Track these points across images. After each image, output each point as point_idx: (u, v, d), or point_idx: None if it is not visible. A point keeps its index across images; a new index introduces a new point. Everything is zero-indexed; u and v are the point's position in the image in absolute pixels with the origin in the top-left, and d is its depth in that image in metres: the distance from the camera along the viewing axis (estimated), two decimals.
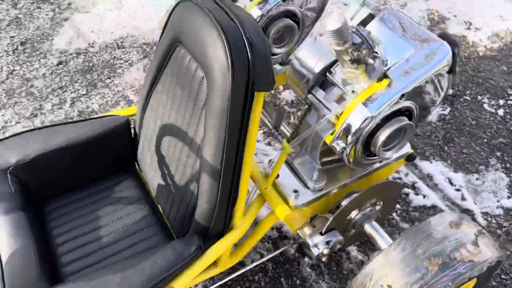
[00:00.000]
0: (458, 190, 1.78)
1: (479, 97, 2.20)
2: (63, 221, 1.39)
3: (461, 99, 2.19)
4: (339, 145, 1.17)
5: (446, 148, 1.95)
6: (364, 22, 1.27)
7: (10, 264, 1.16)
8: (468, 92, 2.23)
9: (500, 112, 2.13)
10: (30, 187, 1.37)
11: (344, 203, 1.32)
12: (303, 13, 1.53)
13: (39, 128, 1.45)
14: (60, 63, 2.33)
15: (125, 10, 2.74)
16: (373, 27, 1.24)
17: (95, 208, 1.42)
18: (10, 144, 1.37)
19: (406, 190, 1.77)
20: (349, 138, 1.15)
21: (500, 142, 1.98)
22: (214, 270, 1.37)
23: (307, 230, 1.35)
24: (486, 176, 1.83)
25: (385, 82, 1.13)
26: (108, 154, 1.47)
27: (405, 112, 1.19)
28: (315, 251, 1.31)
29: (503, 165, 1.88)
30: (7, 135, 1.96)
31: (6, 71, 2.27)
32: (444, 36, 1.19)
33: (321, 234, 1.33)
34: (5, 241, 1.20)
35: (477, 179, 1.83)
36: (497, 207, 1.73)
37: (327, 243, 1.32)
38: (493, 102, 2.17)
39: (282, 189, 1.32)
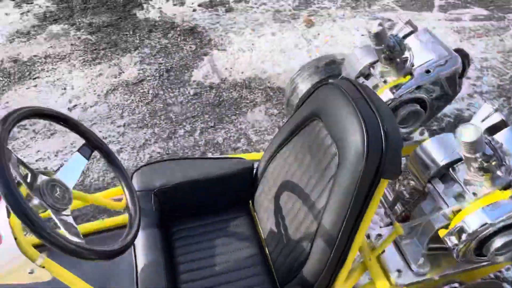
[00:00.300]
0: None
1: None
2: (185, 242, 1.62)
3: None
4: (451, 241, 1.24)
5: None
6: (494, 128, 1.34)
7: (144, 274, 1.40)
8: None
9: None
10: (166, 208, 1.62)
11: None
12: (431, 101, 1.63)
13: (181, 159, 1.71)
14: (195, 94, 2.67)
15: (256, 53, 3.03)
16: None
17: (212, 236, 1.63)
18: (158, 169, 1.64)
19: (504, 284, 1.74)
20: (463, 237, 1.21)
21: None
22: None
23: None
24: None
25: (508, 193, 1.19)
26: (231, 191, 1.68)
27: None
28: None
29: None
30: (146, 152, 2.30)
31: (151, 94, 2.66)
32: None
33: None
34: (142, 252, 1.45)
35: None
36: None
37: None
38: None
39: (385, 264, 1.41)
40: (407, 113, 1.61)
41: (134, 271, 1.40)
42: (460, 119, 2.52)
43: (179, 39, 3.14)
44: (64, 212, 1.15)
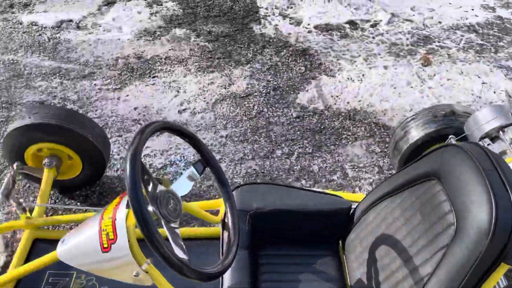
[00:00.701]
0: None
1: None
2: (271, 269, 1.63)
3: None
4: None
5: None
6: None
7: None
8: None
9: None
10: (258, 232, 1.64)
11: None
12: None
13: (280, 185, 1.72)
14: (298, 117, 2.68)
15: (365, 85, 2.96)
16: None
17: (298, 269, 1.62)
18: (257, 190, 1.66)
19: None
20: None
21: None
22: None
23: None
24: None
25: None
26: (324, 228, 1.65)
27: None
28: None
29: None
30: (242, 167, 2.36)
31: (256, 110, 2.72)
32: None
33: None
34: (230, 271, 1.48)
35: None
36: None
37: None
38: None
39: None
40: None
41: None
42: None
43: (290, 59, 3.18)
44: (172, 224, 1.21)
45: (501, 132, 1.55)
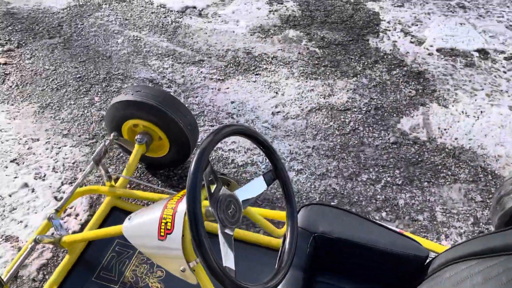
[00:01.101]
0: None
1: None
2: None
3: None
4: None
5: None
6: None
7: None
8: None
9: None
10: (320, 257, 1.55)
11: None
12: None
13: (353, 213, 1.60)
14: (395, 143, 2.48)
15: (481, 123, 2.63)
16: None
17: None
18: (327, 213, 1.57)
19: None
20: None
21: None
22: None
23: None
24: None
25: None
26: (392, 272, 1.50)
27: None
28: None
29: None
30: (322, 183, 2.25)
31: (351, 127, 2.58)
32: None
33: None
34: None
35: None
36: None
37: None
38: None
39: None
40: None
41: None
42: None
43: (401, 80, 2.96)
44: (227, 231, 1.19)
45: None
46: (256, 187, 1.34)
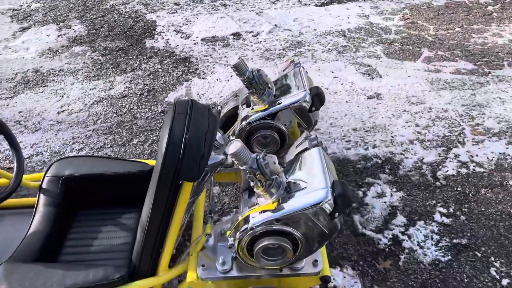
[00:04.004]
0: None
1: (492, 258, 2.05)
2: (80, 224, 1.99)
3: (470, 253, 2.08)
4: (230, 241, 1.47)
5: None
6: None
7: (29, 239, 1.79)
8: (483, 250, 2.10)
9: (504, 282, 1.95)
10: (70, 195, 2.01)
11: None
12: (288, 130, 1.87)
13: (90, 156, 2.11)
14: (162, 111, 3.10)
15: (230, 84, 3.41)
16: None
17: (104, 223, 1.97)
18: (70, 162, 2.04)
19: None
20: (237, 236, 1.44)
21: None
22: None
23: None
24: None
25: (272, 205, 1.40)
26: (130, 188, 2.02)
27: (290, 235, 1.41)
28: None
29: None
30: (99, 154, 2.75)
31: (126, 108, 3.14)
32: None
33: None
34: (35, 221, 1.85)
35: None
36: None
37: None
38: (503, 269, 2.00)
39: (200, 259, 1.65)
40: (261, 138, 1.86)
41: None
42: (389, 163, 2.62)
43: (170, 66, 3.63)
44: None
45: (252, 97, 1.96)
46: None
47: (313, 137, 1.62)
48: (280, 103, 1.85)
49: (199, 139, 1.41)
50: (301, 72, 1.98)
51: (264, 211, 1.41)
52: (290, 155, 1.67)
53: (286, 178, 1.49)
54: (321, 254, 1.62)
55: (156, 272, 1.63)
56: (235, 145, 1.37)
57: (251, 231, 1.40)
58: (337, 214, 1.36)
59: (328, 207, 1.35)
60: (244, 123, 1.88)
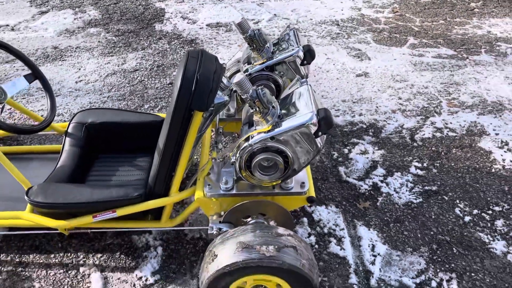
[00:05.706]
0: (374, 256, 2.08)
1: (457, 201, 2.38)
2: (102, 162, 2.31)
3: (439, 197, 2.40)
4: (232, 159, 1.79)
5: (391, 225, 2.24)
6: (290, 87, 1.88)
7: (62, 162, 2.11)
8: (450, 195, 2.42)
9: (467, 219, 2.27)
10: (93, 140, 2.32)
11: (237, 206, 1.88)
12: (282, 80, 2.19)
13: (110, 108, 2.43)
14: (170, 83, 3.43)
15: None
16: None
17: (120, 164, 2.29)
18: (92, 112, 2.37)
19: (331, 239, 2.16)
20: (238, 153, 1.75)
21: (444, 239, 2.16)
22: (158, 224, 2.08)
23: (214, 217, 1.95)
24: (406, 256, 2.07)
25: (268, 128, 1.72)
26: (143, 136, 2.34)
27: (282, 154, 1.73)
28: (209, 231, 1.90)
29: (431, 256, 2.07)
30: None
31: (138, 80, 3.47)
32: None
33: (220, 222, 1.92)
34: (63, 158, 2.17)
35: (397, 255, 2.08)
36: (395, 281, 1.97)
37: (220, 229, 1.90)
38: (467, 209, 2.32)
39: (208, 181, 1.96)
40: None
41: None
42: (373, 128, 2.95)
43: (178, 46, 3.97)
44: None
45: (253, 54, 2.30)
46: (19, 83, 2.09)
47: (304, 80, 1.95)
48: (275, 56, 2.18)
49: (209, 77, 1.73)
50: (297, 33, 2.30)
51: (261, 133, 1.73)
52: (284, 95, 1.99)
53: (280, 109, 1.81)
54: (308, 177, 1.94)
55: (169, 193, 1.95)
56: (238, 76, 1.70)
57: (250, 148, 1.72)
58: (320, 133, 1.69)
59: (313, 127, 1.68)
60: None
